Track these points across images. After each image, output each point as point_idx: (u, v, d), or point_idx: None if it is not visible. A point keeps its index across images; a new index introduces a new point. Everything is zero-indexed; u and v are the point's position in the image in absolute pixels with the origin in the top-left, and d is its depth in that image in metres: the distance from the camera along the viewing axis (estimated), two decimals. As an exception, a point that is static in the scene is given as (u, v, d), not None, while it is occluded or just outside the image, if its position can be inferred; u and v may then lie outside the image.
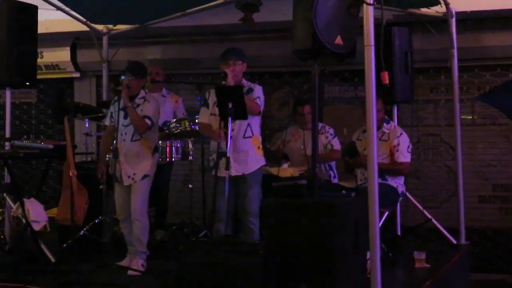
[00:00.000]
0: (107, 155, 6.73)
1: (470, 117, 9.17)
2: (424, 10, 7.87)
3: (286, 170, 6.99)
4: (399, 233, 7.98)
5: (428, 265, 6.47)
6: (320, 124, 7.82)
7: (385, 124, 7.09)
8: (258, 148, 6.42)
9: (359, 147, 7.13)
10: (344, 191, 5.84)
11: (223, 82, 6.20)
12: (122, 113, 6.44)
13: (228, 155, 5.91)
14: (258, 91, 6.38)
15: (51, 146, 6.85)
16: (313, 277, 4.94)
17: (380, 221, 6.78)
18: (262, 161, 6.45)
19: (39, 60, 8.28)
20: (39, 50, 7.97)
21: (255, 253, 4.90)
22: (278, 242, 5.07)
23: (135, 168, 6.44)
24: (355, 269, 5.22)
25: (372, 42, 4.79)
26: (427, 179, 9.21)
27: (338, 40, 5.26)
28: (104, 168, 6.59)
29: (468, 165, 8.74)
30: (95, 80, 10.58)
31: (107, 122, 6.75)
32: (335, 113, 9.54)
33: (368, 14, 4.81)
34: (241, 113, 5.91)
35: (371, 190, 4.81)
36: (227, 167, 5.90)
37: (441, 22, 7.87)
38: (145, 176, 6.46)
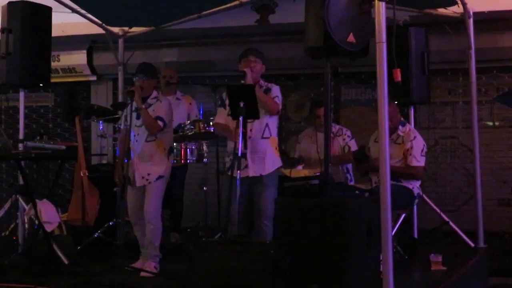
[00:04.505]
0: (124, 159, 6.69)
1: (490, 121, 9.07)
2: (441, 10, 7.81)
3: (299, 172, 6.93)
4: (416, 236, 7.90)
5: (445, 268, 6.38)
6: (337, 127, 7.82)
7: (400, 127, 7.01)
8: (276, 149, 6.36)
9: (376, 149, 7.05)
10: (357, 192, 5.78)
11: (242, 81, 6.14)
12: (134, 114, 6.43)
13: (239, 156, 5.82)
14: (276, 90, 6.32)
15: (63, 147, 6.86)
16: (325, 278, 4.89)
17: (396, 223, 6.80)
18: (279, 163, 6.39)
19: (56, 63, 8.31)
20: (56, 53, 8.00)
21: (266, 253, 4.85)
22: (289, 242, 5.03)
23: (150, 169, 6.40)
24: (367, 270, 5.17)
25: (384, 39, 4.74)
26: (445, 182, 9.13)
27: (351, 38, 5.20)
28: (122, 172, 6.53)
29: (486, 167, 8.63)
30: (111, 83, 10.57)
31: (122, 125, 6.73)
32: (352, 116, 9.50)
33: (380, 10, 4.76)
34: (253, 113, 5.84)
35: (383, 191, 4.75)
36: (239, 167, 5.83)
37: (458, 23, 7.79)
38: (159, 177, 6.41)
